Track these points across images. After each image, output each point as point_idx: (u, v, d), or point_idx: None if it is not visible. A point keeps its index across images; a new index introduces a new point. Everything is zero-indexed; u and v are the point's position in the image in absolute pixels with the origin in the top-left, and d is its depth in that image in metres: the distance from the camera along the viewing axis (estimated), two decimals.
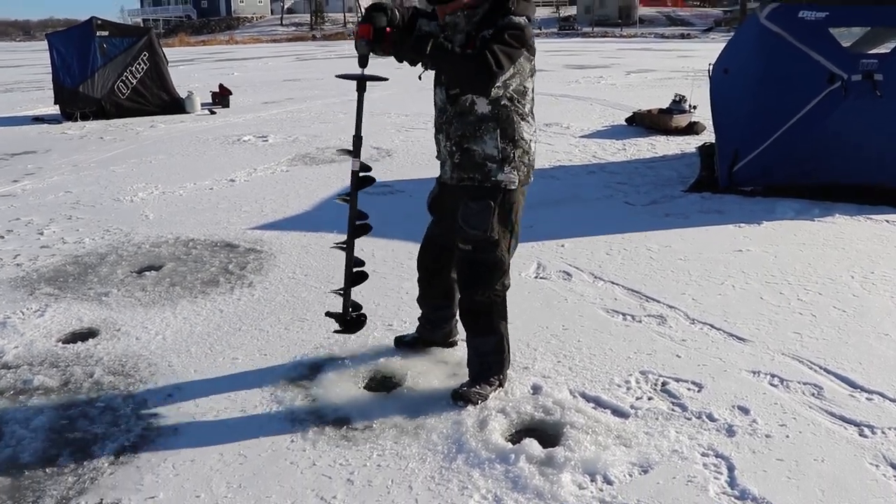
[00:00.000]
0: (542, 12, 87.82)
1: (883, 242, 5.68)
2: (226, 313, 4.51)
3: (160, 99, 14.57)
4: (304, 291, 4.82)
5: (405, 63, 3.12)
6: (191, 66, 31.27)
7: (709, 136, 10.59)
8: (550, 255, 5.35)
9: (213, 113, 14.56)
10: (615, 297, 4.58)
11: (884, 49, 7.32)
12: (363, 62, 3.15)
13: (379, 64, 3.12)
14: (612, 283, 4.83)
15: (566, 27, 74.22)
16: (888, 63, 6.71)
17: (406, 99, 15.23)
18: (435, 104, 3.36)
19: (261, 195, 7.51)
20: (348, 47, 51.59)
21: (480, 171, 3.21)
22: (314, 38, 75.57)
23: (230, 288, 4.93)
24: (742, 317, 4.26)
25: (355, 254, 3.51)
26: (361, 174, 3.33)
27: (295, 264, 5.34)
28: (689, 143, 10.02)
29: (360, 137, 3.32)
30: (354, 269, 3.51)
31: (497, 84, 3.00)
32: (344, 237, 3.50)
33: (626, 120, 11.92)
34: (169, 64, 15.16)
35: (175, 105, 14.66)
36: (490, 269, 3.31)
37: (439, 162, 3.45)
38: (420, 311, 3.88)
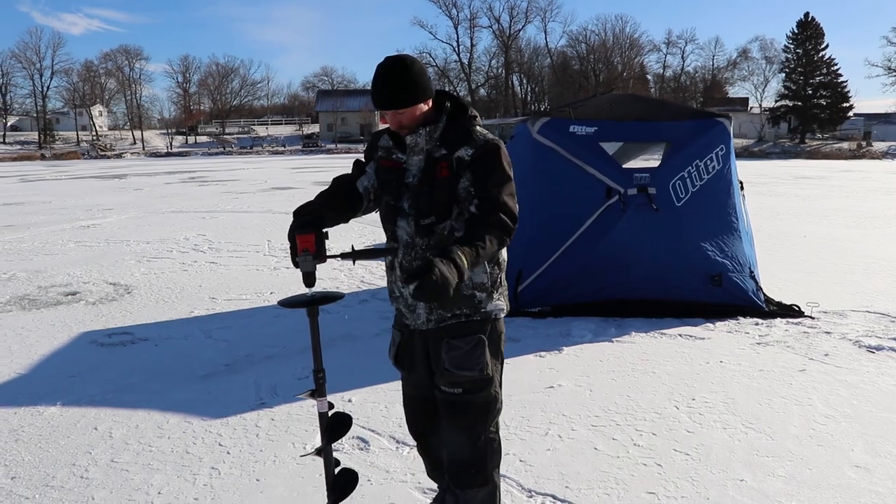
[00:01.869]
0: (285, 130, 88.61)
1: (688, 362, 5.34)
2: None
3: None
4: None
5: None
6: None
7: None
8: None
9: None
10: None
11: (653, 162, 7.32)
12: (310, 280, 2.51)
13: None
14: None
15: (310, 144, 75.00)
16: (659, 176, 6.64)
17: (146, 223, 13.82)
18: (395, 240, 2.73)
19: None
20: (82, 167, 47.95)
21: (469, 304, 2.68)
22: (43, 157, 70.23)
23: None
24: (584, 479, 3.55)
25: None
26: (332, 413, 2.60)
27: None
28: None
29: (323, 372, 2.59)
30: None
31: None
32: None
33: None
34: None
35: None
36: (485, 410, 2.74)
37: (398, 308, 2.83)
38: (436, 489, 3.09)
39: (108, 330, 6.48)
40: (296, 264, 2.47)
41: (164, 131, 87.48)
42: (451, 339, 2.66)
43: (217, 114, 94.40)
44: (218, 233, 12.55)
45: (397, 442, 4.01)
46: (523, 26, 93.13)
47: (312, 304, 2.50)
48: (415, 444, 3.93)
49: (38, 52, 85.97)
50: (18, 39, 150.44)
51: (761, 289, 6.82)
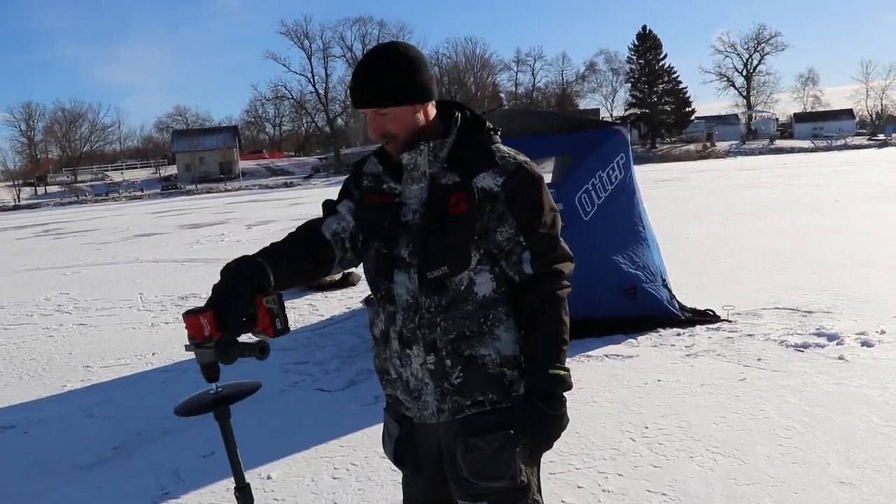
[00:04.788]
0: (141, 173, 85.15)
1: (626, 385, 5.04)
2: None
3: None
4: None
5: None
6: None
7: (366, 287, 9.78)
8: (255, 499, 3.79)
9: None
10: None
11: (551, 177, 7.06)
12: (210, 373, 1.80)
13: None
14: None
15: (169, 186, 72.21)
16: (564, 191, 6.36)
17: None
18: (391, 300, 1.97)
19: None
20: None
21: (496, 388, 1.94)
22: None
23: None
24: None
25: None
26: None
27: None
28: (352, 298, 9.06)
29: (247, 487, 1.96)
30: None
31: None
32: None
33: None
34: None
35: None
36: None
37: (391, 394, 2.08)
38: None
39: None
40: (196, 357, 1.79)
41: (10, 183, 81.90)
42: (469, 438, 1.93)
43: (67, 161, 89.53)
44: (83, 289, 11.44)
45: None
46: None
47: (217, 405, 1.84)
48: None
49: None
50: None
51: (675, 297, 6.65)
